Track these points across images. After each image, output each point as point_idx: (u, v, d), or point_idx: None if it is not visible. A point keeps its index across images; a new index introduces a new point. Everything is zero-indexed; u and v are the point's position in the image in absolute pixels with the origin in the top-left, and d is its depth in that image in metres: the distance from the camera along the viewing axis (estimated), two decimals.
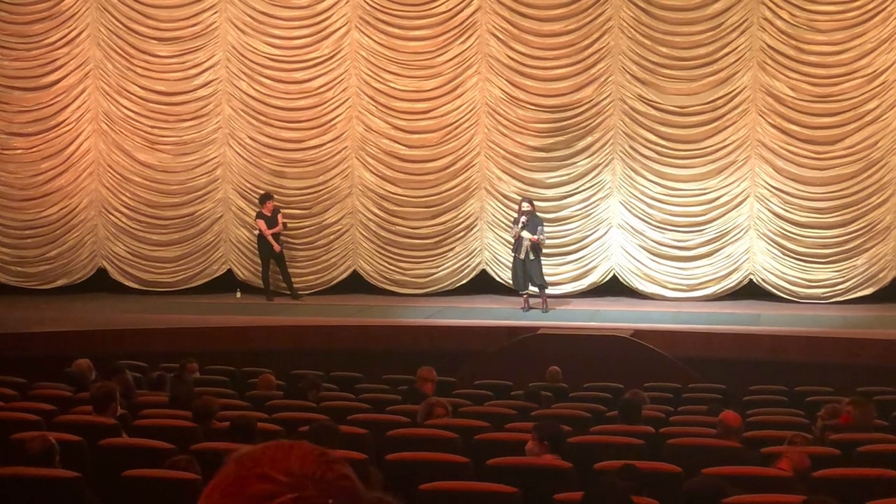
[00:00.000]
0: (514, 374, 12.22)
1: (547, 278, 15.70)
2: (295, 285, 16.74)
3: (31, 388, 10.62)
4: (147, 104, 17.30)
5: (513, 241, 15.58)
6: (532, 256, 15.35)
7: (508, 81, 16.58)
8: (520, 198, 15.86)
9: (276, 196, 16.73)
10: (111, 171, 17.43)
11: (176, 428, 8.22)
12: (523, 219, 15.27)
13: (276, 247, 16.44)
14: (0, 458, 7.21)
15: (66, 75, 17.40)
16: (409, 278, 17.01)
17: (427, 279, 16.98)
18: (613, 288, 16.53)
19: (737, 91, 16.07)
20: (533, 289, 15.58)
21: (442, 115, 16.84)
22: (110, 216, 17.48)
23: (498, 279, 16.70)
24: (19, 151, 17.57)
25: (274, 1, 17.01)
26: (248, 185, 17.17)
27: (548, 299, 15.61)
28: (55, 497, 6.49)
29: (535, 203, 15.72)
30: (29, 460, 6.73)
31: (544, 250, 15.63)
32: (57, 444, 6.80)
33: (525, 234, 15.24)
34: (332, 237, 17.15)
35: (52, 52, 17.38)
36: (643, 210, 16.38)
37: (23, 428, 8.03)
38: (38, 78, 17.44)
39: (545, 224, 15.66)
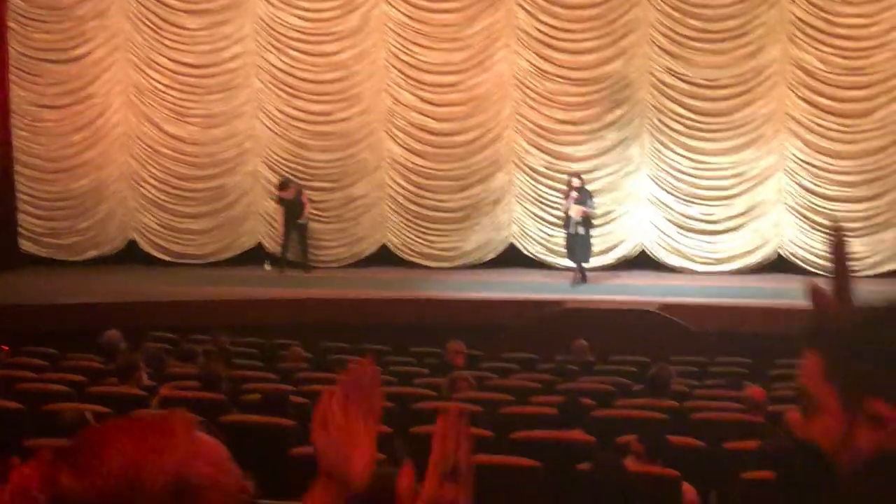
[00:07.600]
0: (542, 348, 12.24)
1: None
2: (324, 258, 16.78)
3: (62, 359, 10.76)
4: (176, 76, 17.36)
5: (563, 216, 15.49)
6: (582, 231, 15.29)
7: (537, 54, 16.53)
8: (567, 175, 15.67)
9: (303, 168, 16.75)
10: (140, 143, 17.52)
11: (204, 400, 8.30)
12: (574, 195, 15.20)
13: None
14: (33, 429, 7.32)
15: (96, 48, 17.47)
16: (437, 251, 17.05)
17: (455, 252, 17.00)
18: (641, 262, 16.51)
19: (766, 64, 15.96)
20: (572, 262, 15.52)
21: (470, 88, 16.82)
22: (140, 188, 17.59)
23: (526, 252, 16.71)
24: (50, 124, 17.66)
25: None
26: (277, 157, 17.22)
27: (581, 275, 15.54)
28: None
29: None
30: (61, 431, 6.82)
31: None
32: (90, 415, 6.92)
33: (573, 208, 15.17)
34: (360, 210, 17.19)
35: (82, 25, 17.44)
36: (671, 184, 16.33)
37: (54, 399, 8.17)
38: (68, 50, 17.51)
39: (594, 197, 15.58)
